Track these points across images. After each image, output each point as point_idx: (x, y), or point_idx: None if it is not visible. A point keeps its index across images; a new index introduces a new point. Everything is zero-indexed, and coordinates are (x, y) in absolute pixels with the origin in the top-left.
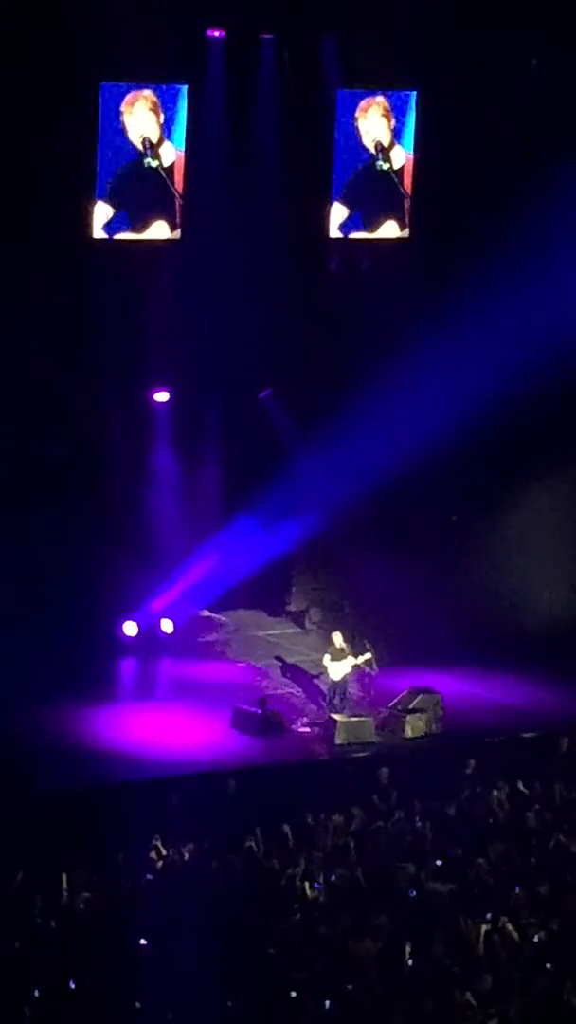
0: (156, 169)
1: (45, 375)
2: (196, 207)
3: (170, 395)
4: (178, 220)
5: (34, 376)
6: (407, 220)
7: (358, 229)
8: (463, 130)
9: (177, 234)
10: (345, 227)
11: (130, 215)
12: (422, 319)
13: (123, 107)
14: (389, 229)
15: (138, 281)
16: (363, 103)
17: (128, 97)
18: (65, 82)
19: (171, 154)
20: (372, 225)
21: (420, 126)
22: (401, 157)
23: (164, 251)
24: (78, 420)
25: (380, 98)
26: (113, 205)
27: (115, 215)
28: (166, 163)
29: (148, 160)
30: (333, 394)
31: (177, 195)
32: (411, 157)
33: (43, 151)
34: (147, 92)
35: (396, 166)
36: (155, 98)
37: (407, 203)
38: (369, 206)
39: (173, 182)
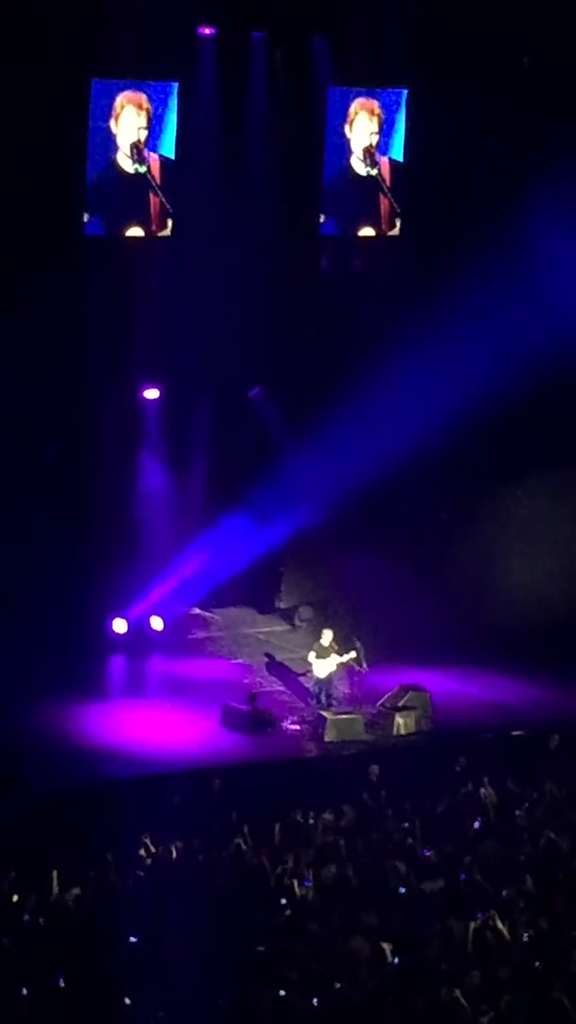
0: (140, 175)
1: (35, 372)
2: (186, 205)
3: (160, 392)
4: (153, 228)
5: (24, 373)
6: (383, 227)
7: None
8: (454, 128)
9: (168, 231)
10: (322, 229)
11: (104, 221)
12: (412, 316)
13: (117, 108)
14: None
15: (129, 279)
16: (357, 104)
17: (123, 97)
18: (56, 79)
19: (152, 163)
20: (348, 231)
21: (411, 125)
22: (383, 165)
23: (154, 248)
24: (68, 417)
25: (373, 102)
26: (88, 210)
27: (89, 220)
28: (146, 170)
29: (136, 166)
30: (323, 391)
31: (163, 200)
32: (385, 161)
33: (33, 148)
34: (142, 96)
35: (376, 172)
36: (148, 104)
37: (384, 209)
38: (346, 212)
39: (155, 188)
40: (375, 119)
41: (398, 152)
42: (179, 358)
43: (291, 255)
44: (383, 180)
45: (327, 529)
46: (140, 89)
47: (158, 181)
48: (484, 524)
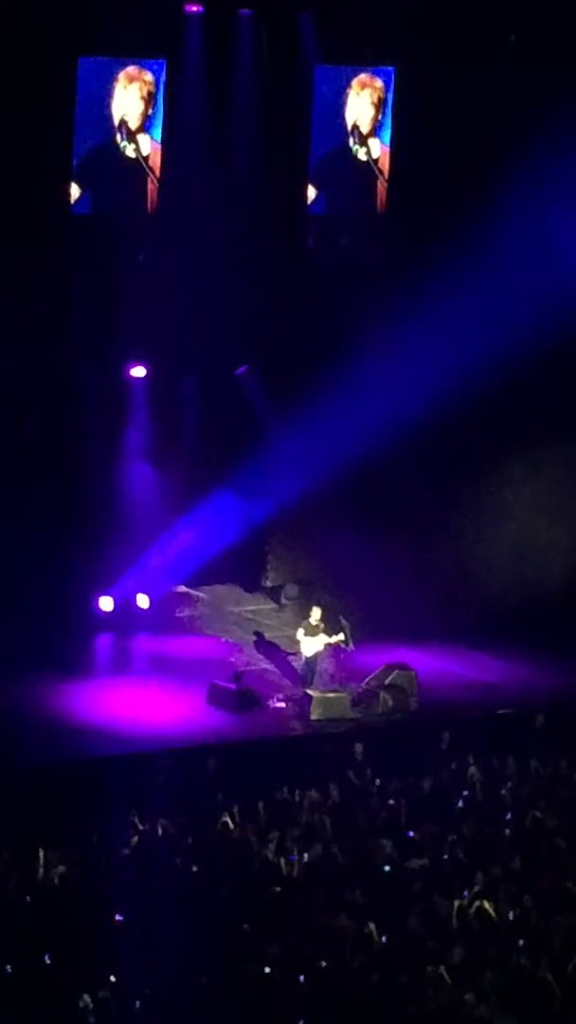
0: (132, 157)
1: (21, 350)
2: (174, 183)
3: (147, 371)
4: (149, 208)
5: (10, 352)
6: (376, 207)
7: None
8: (442, 104)
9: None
10: (312, 208)
11: (95, 199)
12: (399, 294)
13: (118, 80)
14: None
15: (115, 256)
16: (359, 79)
17: (129, 71)
18: (44, 56)
19: (147, 145)
20: (339, 210)
21: (399, 102)
22: (377, 148)
23: (143, 227)
24: (54, 395)
25: (378, 82)
26: (79, 185)
27: (80, 196)
28: (143, 152)
29: (123, 144)
30: (309, 370)
31: (154, 180)
32: (386, 149)
33: (21, 124)
34: (148, 77)
35: (373, 155)
36: (152, 88)
37: (377, 189)
38: (339, 190)
39: (151, 172)
40: (363, 94)
41: (387, 130)
42: (166, 336)
43: (279, 233)
44: (375, 160)
45: (313, 507)
46: (142, 68)
47: (151, 162)
48: (472, 502)
